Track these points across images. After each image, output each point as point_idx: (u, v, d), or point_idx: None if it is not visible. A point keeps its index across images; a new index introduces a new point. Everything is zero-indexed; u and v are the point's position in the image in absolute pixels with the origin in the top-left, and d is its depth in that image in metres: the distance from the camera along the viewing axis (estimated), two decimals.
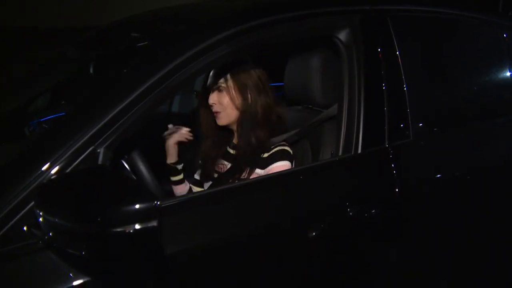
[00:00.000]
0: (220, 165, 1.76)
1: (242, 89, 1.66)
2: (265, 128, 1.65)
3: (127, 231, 0.92)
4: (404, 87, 1.58)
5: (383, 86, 1.54)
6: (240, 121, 1.68)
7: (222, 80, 1.66)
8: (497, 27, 1.99)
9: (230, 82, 1.66)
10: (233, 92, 1.66)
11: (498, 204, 1.80)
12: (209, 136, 1.80)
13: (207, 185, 1.79)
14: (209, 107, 1.72)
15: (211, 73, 1.72)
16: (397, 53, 1.59)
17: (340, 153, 1.50)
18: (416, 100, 1.60)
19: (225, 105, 1.66)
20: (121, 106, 1.16)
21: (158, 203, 0.95)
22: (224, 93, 1.66)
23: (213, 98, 1.67)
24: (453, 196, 1.66)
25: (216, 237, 1.22)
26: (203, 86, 1.82)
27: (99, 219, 0.93)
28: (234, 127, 1.72)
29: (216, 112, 1.69)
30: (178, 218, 1.19)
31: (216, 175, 1.74)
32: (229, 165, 1.73)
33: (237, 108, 1.67)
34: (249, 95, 1.65)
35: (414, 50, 1.68)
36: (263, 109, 1.66)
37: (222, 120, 1.70)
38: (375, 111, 1.52)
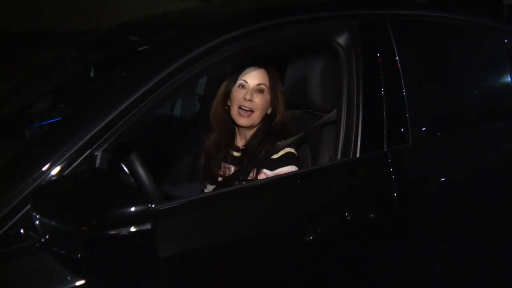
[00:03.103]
0: (224, 169, 1.75)
1: (276, 98, 1.67)
2: (278, 135, 1.67)
3: (122, 233, 0.93)
4: (404, 92, 1.58)
5: (382, 91, 1.54)
6: (260, 125, 1.69)
7: (265, 81, 1.65)
8: (498, 32, 1.99)
9: (272, 86, 1.65)
10: (270, 97, 1.67)
11: (497, 209, 1.79)
12: (215, 131, 1.78)
13: (210, 187, 1.78)
14: (225, 102, 1.70)
15: (252, 71, 1.67)
16: (397, 57, 1.59)
17: (338, 157, 1.50)
18: (415, 105, 1.60)
19: (259, 106, 1.65)
20: (119, 109, 1.16)
21: (153, 206, 0.96)
22: (264, 95, 1.66)
23: (252, 95, 1.64)
24: (452, 201, 1.66)
25: (213, 240, 1.22)
26: (229, 79, 1.72)
27: (94, 222, 0.94)
28: (247, 131, 1.72)
29: (247, 111, 1.64)
30: (174, 221, 1.19)
31: (220, 179, 1.74)
32: (233, 168, 1.73)
33: (264, 112, 1.68)
34: (278, 104, 1.68)
35: (414, 55, 1.68)
36: (283, 120, 1.68)
37: (248, 121, 1.66)
38: (374, 115, 1.52)
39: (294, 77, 1.87)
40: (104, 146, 1.14)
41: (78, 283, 1.04)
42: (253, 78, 1.66)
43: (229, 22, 1.44)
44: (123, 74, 1.30)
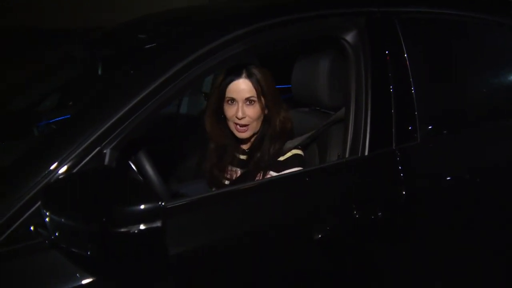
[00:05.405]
0: (230, 172, 1.73)
1: (269, 100, 1.61)
2: (282, 138, 1.64)
3: (131, 231, 0.93)
4: (412, 89, 1.57)
5: (390, 88, 1.53)
6: (260, 132, 1.66)
7: (253, 92, 1.59)
8: (507, 28, 1.97)
9: (260, 94, 1.59)
10: (263, 104, 1.61)
11: (507, 207, 1.77)
12: (217, 146, 1.74)
13: None
14: (218, 115, 1.66)
15: (236, 86, 1.61)
16: (405, 55, 1.58)
17: (347, 155, 1.50)
18: (424, 102, 1.59)
19: (254, 118, 1.60)
20: (127, 107, 1.16)
21: (163, 203, 0.96)
22: (255, 105, 1.60)
23: (243, 111, 1.58)
24: (461, 199, 1.65)
25: (221, 238, 1.23)
26: (215, 94, 1.67)
27: (104, 219, 0.94)
28: (250, 137, 1.69)
29: (244, 126, 1.61)
30: (183, 219, 1.20)
31: (227, 182, 1.72)
32: (239, 171, 1.72)
33: (261, 120, 1.64)
34: (272, 106, 1.63)
35: (422, 52, 1.67)
36: (282, 119, 1.64)
37: (247, 134, 1.62)
38: (382, 113, 1.51)
39: (301, 75, 1.86)
40: (113, 144, 1.14)
41: (88, 280, 1.04)
42: (239, 92, 1.59)
43: (235, 20, 1.44)
44: (131, 72, 1.31)
